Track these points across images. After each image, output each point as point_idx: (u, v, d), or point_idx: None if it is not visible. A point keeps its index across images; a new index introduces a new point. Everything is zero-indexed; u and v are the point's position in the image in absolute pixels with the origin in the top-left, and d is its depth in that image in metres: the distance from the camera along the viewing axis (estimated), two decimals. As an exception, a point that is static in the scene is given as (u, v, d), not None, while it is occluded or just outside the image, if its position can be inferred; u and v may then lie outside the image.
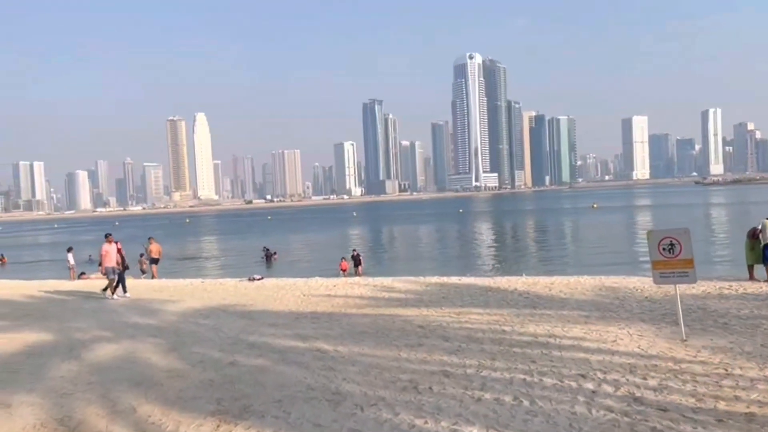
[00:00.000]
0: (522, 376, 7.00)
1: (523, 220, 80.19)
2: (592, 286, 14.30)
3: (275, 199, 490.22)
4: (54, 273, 30.59)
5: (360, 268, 27.98)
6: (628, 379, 6.70)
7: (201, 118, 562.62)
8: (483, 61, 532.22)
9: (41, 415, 6.37)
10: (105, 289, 16.87)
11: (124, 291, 16.71)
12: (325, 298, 14.50)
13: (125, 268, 17.06)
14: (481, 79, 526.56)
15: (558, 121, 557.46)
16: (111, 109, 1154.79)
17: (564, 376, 6.93)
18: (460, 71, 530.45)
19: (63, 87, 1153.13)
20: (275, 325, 11.28)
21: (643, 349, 8.14)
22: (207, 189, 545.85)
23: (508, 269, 27.70)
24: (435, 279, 17.53)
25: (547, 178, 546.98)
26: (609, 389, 6.38)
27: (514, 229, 66.37)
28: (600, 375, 6.91)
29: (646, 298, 12.45)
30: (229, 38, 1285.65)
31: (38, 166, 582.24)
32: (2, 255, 51.30)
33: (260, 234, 73.47)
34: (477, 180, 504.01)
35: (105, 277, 16.97)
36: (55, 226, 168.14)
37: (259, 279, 19.46)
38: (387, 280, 17.87)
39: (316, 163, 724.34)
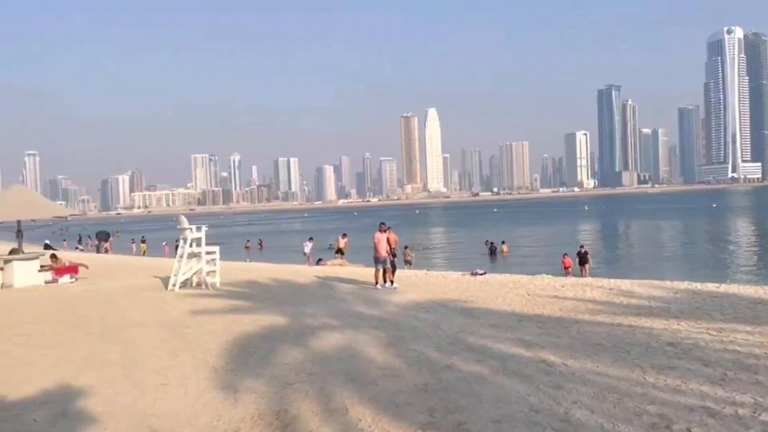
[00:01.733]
0: (825, 431, 5.22)
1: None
2: None
3: (502, 192, 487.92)
4: (299, 258, 33.62)
5: (587, 267, 25.72)
6: None
7: (432, 114, 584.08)
8: (744, 36, 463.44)
9: (262, 405, 6.45)
10: (376, 283, 16.26)
11: (391, 282, 16.35)
12: (552, 300, 13.28)
13: (394, 256, 16.69)
14: (742, 56, 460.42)
15: None
16: (352, 110, 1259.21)
17: None
18: (716, 48, 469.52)
19: (308, 93, 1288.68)
20: (497, 326, 10.48)
21: None
22: (436, 182, 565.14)
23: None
24: (685, 285, 15.09)
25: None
26: None
27: (784, 228, 56.18)
28: None
29: None
30: (460, 33, 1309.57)
31: (293, 162, 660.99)
32: (260, 240, 58.56)
33: (485, 227, 73.13)
34: (734, 171, 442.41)
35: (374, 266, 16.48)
36: (305, 215, 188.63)
37: (482, 274, 18.83)
38: (624, 283, 15.89)
39: (545, 155, 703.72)
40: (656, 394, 6.42)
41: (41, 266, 19.55)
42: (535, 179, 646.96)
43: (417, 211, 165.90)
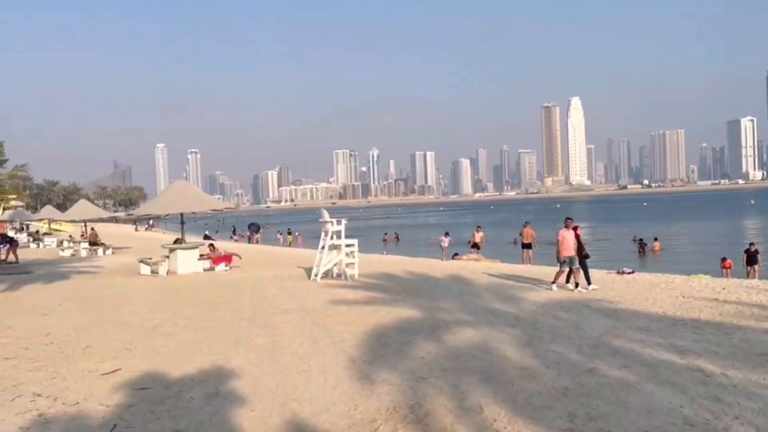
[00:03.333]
0: None
1: None
2: None
3: (653, 185, 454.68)
4: (435, 252, 33.73)
5: (756, 267, 23.00)
6: None
7: (575, 103, 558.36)
8: None
9: (397, 397, 6.52)
10: (566, 281, 14.84)
11: (588, 282, 14.64)
12: (710, 303, 12.09)
13: (585, 256, 15.10)
14: None
15: None
16: (489, 102, 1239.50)
17: None
18: None
19: (445, 86, 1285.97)
20: (646, 330, 9.75)
21: None
22: (579, 174, 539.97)
23: None
24: None
25: None
26: None
27: None
28: None
29: None
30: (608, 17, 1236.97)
31: (430, 156, 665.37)
32: (396, 233, 59.64)
33: (634, 222, 68.58)
34: None
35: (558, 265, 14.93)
36: (441, 209, 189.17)
37: (629, 273, 17.66)
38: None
39: (704, 144, 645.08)
40: (840, 416, 5.59)
41: (200, 255, 21.42)
42: (692, 171, 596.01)
43: (558, 206, 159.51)
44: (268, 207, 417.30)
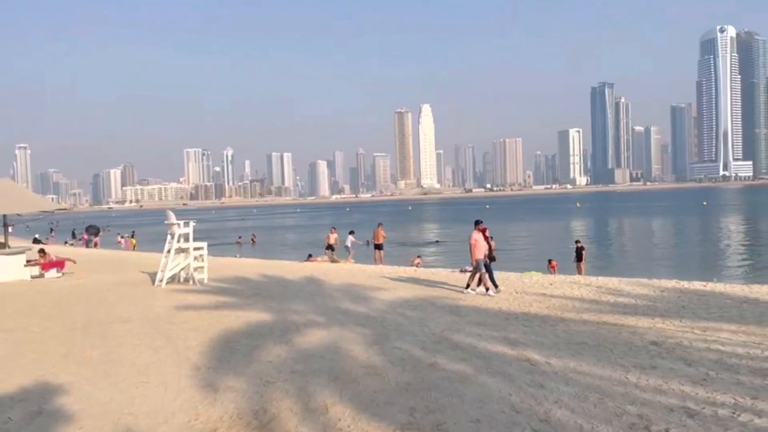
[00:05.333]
0: (803, 432, 5.21)
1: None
2: None
3: (495, 188, 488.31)
4: (292, 254, 33.56)
5: (582, 264, 25.41)
6: None
7: (426, 110, 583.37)
8: (737, 34, 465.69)
9: (241, 403, 6.39)
10: (477, 284, 14.55)
11: (495, 285, 14.32)
12: (540, 298, 13.27)
13: (492, 259, 14.87)
14: (734, 54, 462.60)
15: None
16: (345, 105, 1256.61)
17: None
18: (708, 47, 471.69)
19: (301, 88, 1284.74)
20: (483, 324, 10.46)
21: None
22: (429, 178, 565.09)
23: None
24: (672, 283, 15.12)
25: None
26: None
27: (773, 227, 56.55)
28: None
29: None
30: (449, 31, 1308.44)
31: (287, 157, 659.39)
32: (254, 235, 58.38)
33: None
34: (725, 169, 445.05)
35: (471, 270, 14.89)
36: (298, 210, 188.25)
37: (470, 271, 18.78)
38: (612, 281, 15.92)
39: (538, 152, 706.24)
40: (637, 393, 6.41)
41: (27, 261, 19.39)
42: (528, 176, 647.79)
43: (410, 207, 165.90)
44: (110, 208, 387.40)
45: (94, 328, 10.72)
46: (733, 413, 5.73)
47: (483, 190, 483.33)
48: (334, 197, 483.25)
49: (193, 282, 16.66)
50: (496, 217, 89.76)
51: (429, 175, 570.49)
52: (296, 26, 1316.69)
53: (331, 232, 28.95)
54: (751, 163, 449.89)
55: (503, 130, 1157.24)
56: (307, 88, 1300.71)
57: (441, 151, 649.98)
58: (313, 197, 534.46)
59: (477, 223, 14.90)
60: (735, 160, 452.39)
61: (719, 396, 6.24)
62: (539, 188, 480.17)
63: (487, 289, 14.08)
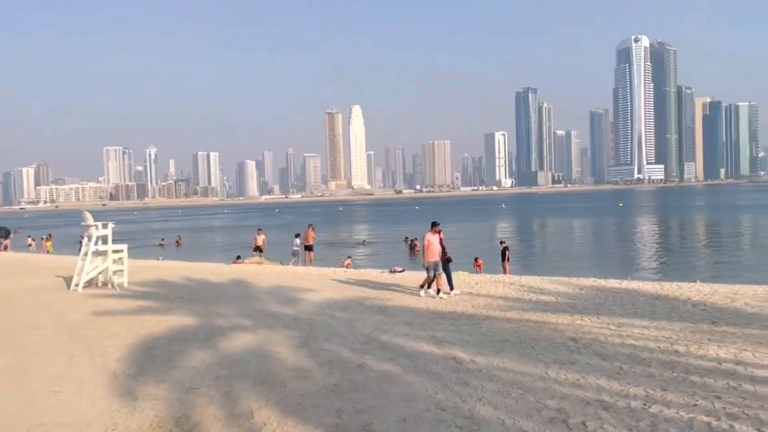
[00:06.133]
0: (705, 419, 5.56)
1: (695, 218, 72.59)
2: (790, 301, 11.86)
3: (424, 189, 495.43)
4: (219, 257, 32.75)
5: (507, 264, 26.13)
6: None
7: (357, 111, 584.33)
8: (650, 44, 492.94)
9: (162, 411, 6.17)
10: (428, 286, 14.06)
11: (451, 288, 14.08)
12: (466, 297, 13.55)
13: (448, 260, 14.54)
14: (648, 63, 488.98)
15: (737, 108, 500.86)
16: (278, 103, 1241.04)
17: (764, 424, 5.38)
18: (624, 55, 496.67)
19: (230, 86, 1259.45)
20: (411, 324, 10.57)
21: None
22: (360, 179, 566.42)
23: (677, 274, 24.67)
24: (590, 281, 15.81)
25: (723, 171, 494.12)
26: (836, 454, 4.77)
27: (683, 228, 60.24)
28: (818, 429, 5.27)
29: None
30: (374, 32, 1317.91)
31: (214, 156, 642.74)
32: (179, 237, 56.58)
33: (408, 223, 73.98)
34: (640, 172, 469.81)
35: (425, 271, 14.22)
36: (225, 211, 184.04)
37: (400, 271, 18.98)
38: (535, 280, 16.47)
39: (466, 154, 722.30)
40: (557, 388, 6.65)
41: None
42: (456, 177, 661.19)
43: (341, 208, 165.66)
44: (22, 209, 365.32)
45: (2, 336, 10.08)
46: (645, 405, 6.04)
47: (413, 191, 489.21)
48: (263, 198, 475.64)
49: (112, 286, 15.98)
50: (425, 217, 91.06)
51: (359, 176, 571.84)
52: (226, 21, 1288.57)
53: (258, 234, 28.43)
54: (662, 166, 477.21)
55: (433, 132, 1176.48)
56: (235, 86, 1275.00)
57: (371, 153, 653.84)
58: (242, 198, 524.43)
59: (433, 224, 14.33)
60: (648, 163, 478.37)
61: (632, 388, 6.57)
62: (467, 189, 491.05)
63: (438, 291, 13.74)
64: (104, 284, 16.32)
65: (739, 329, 9.48)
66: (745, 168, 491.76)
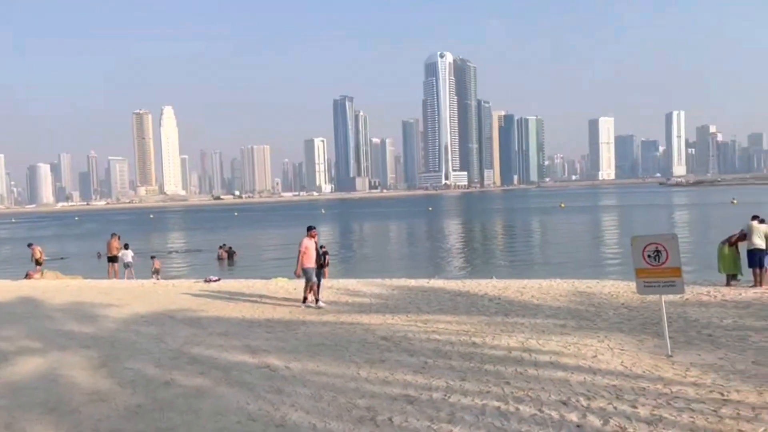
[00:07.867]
0: (496, 404, 6.14)
1: (492, 220, 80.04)
2: (566, 291, 13.62)
3: (244, 195, 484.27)
4: (0, 273, 28.80)
5: (326, 269, 26.42)
6: (616, 408, 5.89)
7: (168, 112, 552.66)
8: (454, 60, 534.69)
9: None
10: (305, 300, 13.27)
11: (316, 301, 13.23)
12: (283, 302, 13.51)
13: (321, 266, 13.88)
14: (452, 77, 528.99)
15: (527, 121, 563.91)
16: (75, 100, 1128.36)
17: (543, 404, 6.09)
18: (431, 69, 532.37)
19: (22, 74, 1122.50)
20: (225, 334, 10.25)
21: (627, 367, 7.38)
22: (173, 184, 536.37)
23: (477, 271, 27.02)
24: (402, 281, 16.70)
25: (516, 177, 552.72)
26: (596, 422, 5.56)
27: (483, 229, 66.05)
28: (584, 402, 6.10)
29: (623, 304, 11.79)
30: (195, 31, 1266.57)
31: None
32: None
33: (225, 231, 71.71)
34: (447, 178, 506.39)
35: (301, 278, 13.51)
36: (13, 220, 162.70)
37: (216, 280, 18.35)
38: (352, 282, 16.98)
39: (286, 159, 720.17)
40: (367, 387, 6.90)
41: None
42: (277, 183, 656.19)
43: (151, 216, 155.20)
44: None
45: None
46: (445, 396, 6.50)
47: (232, 196, 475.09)
48: (60, 205, 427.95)
49: None
50: (245, 224, 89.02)
51: (173, 181, 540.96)
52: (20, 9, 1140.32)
53: (33, 246, 25.53)
54: (466, 173, 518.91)
55: (252, 137, 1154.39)
56: (28, 77, 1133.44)
57: (186, 157, 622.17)
58: (34, 205, 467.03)
59: (309, 229, 13.65)
60: (454, 170, 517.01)
61: (435, 381, 7.04)
62: (288, 195, 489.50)
63: (317, 300, 13.12)
64: None
65: (527, 320, 10.65)
66: (534, 175, 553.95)
